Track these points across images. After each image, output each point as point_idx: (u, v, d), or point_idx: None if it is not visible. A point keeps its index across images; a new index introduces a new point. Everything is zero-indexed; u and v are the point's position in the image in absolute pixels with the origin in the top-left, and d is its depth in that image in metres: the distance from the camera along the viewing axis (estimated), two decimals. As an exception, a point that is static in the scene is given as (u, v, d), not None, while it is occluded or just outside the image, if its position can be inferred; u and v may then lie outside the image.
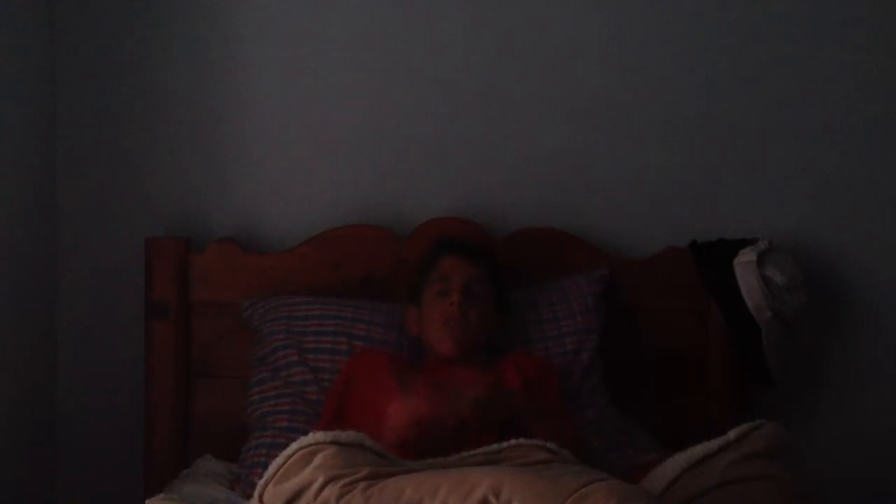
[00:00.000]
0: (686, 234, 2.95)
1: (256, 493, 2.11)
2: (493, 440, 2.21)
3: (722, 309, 2.87)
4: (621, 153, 3.00)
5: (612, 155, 3.00)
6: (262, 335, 2.78)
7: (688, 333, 2.91)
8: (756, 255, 2.82)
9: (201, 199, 2.98)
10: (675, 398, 2.91)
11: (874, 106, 3.01)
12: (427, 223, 2.91)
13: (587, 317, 2.80)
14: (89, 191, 2.97)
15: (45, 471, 2.97)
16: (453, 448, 2.18)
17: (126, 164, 2.98)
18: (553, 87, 2.99)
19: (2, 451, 2.71)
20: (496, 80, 2.99)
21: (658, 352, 2.92)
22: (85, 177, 2.97)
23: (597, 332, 2.80)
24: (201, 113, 2.97)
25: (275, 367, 2.74)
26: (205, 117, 2.97)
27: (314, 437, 2.12)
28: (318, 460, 2.05)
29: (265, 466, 2.22)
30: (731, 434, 2.22)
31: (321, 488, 2.00)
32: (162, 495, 2.29)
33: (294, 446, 2.11)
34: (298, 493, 2.03)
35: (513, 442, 2.18)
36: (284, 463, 2.09)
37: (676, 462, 2.21)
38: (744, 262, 2.84)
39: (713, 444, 2.21)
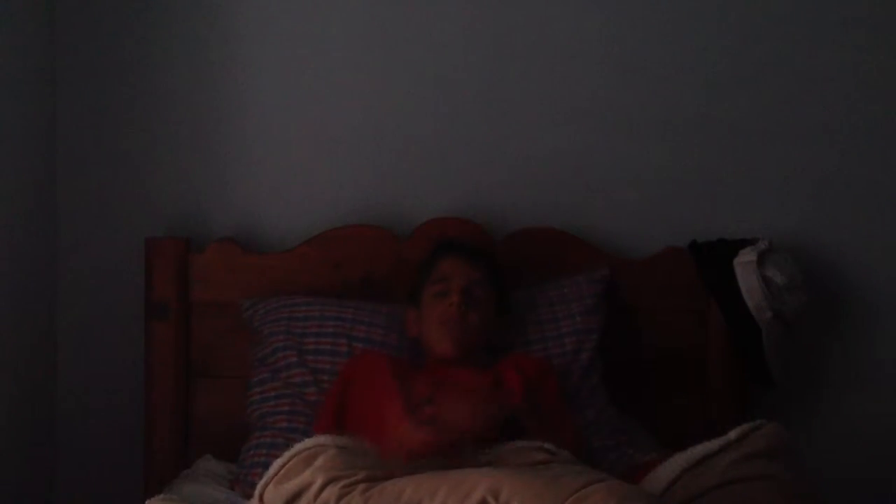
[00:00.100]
0: (686, 234, 2.95)
1: (257, 493, 2.11)
2: (494, 439, 2.21)
3: (722, 309, 2.87)
4: (621, 153, 2.99)
5: (612, 155, 3.00)
6: (263, 336, 2.78)
7: (688, 333, 2.91)
8: (756, 255, 2.82)
9: (201, 199, 2.98)
10: (675, 398, 2.91)
11: (874, 106, 3.01)
12: (427, 223, 2.91)
13: (586, 317, 2.80)
14: (89, 191, 2.97)
15: (45, 471, 2.97)
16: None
17: (126, 164, 2.98)
18: (553, 87, 2.99)
19: (2, 451, 2.71)
20: (496, 80, 2.99)
21: (658, 352, 2.91)
22: (85, 177, 2.97)
23: (596, 333, 2.80)
24: (201, 113, 2.97)
25: (275, 368, 2.74)
26: (205, 117, 2.97)
27: (316, 439, 2.12)
28: (319, 462, 2.05)
29: (265, 467, 2.22)
30: (732, 434, 2.22)
31: (321, 489, 2.01)
32: (162, 495, 2.29)
33: (297, 447, 2.11)
34: (298, 494, 2.04)
35: (511, 445, 2.17)
36: (286, 463, 2.09)
37: (677, 462, 2.21)
38: (744, 262, 2.84)
39: (714, 444, 2.22)
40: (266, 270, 2.88)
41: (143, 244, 2.88)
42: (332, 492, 1.99)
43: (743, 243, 2.88)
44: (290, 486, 2.04)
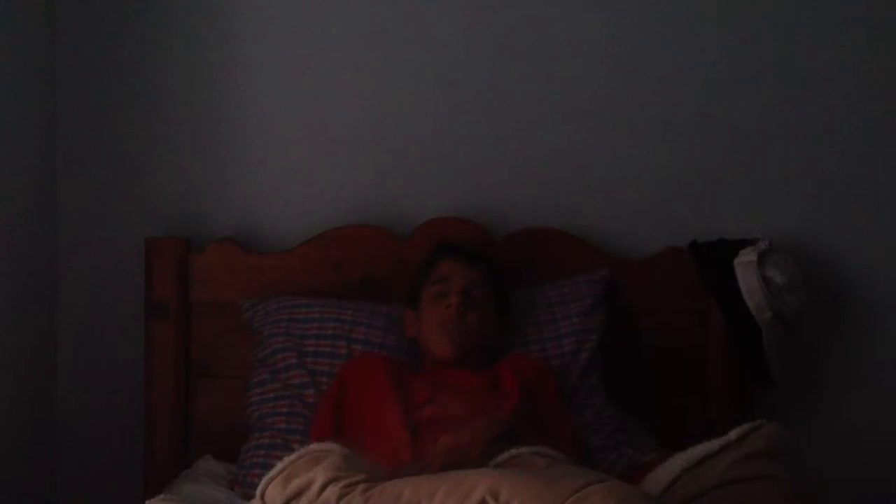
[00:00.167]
0: (686, 234, 2.95)
1: (258, 491, 2.11)
2: (494, 454, 2.20)
3: (722, 309, 2.87)
4: (621, 153, 3.00)
5: (612, 155, 3.00)
6: (263, 337, 2.78)
7: (688, 333, 2.91)
8: (756, 255, 2.82)
9: (201, 199, 2.98)
10: (675, 398, 2.91)
11: (874, 106, 3.01)
12: (427, 223, 2.91)
13: (585, 318, 2.80)
14: (89, 191, 2.97)
15: (45, 471, 2.97)
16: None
17: (126, 164, 2.98)
18: (553, 87, 2.99)
19: (2, 451, 2.71)
20: (496, 80, 2.99)
21: (658, 352, 2.91)
22: (85, 177, 2.97)
23: (595, 333, 2.80)
24: (201, 113, 2.97)
25: (274, 370, 2.74)
26: (205, 117, 2.97)
27: (320, 445, 2.12)
28: (323, 464, 2.05)
29: (264, 467, 2.22)
30: (732, 434, 2.22)
31: (322, 489, 2.01)
32: (162, 496, 2.29)
33: (302, 451, 2.11)
34: (299, 493, 2.04)
35: (508, 454, 2.17)
36: (291, 463, 2.09)
37: (677, 462, 2.21)
38: (744, 262, 2.84)
39: (714, 444, 2.21)
40: (266, 270, 2.88)
41: (143, 244, 2.88)
42: (332, 491, 1.99)
43: (743, 243, 2.88)
44: (292, 485, 2.05)
